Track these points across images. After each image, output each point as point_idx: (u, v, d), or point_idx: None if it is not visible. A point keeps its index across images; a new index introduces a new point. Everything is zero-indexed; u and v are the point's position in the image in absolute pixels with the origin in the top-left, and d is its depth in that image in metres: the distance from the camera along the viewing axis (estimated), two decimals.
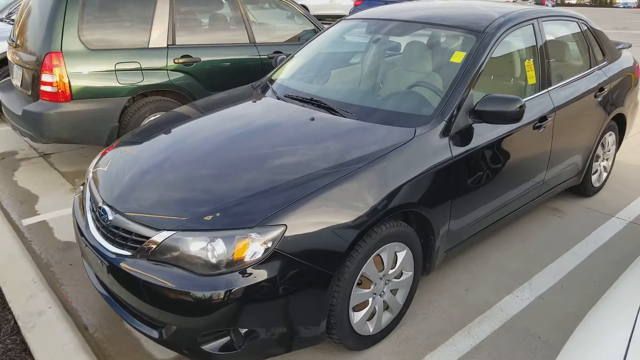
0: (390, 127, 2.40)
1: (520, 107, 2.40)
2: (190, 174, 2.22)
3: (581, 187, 3.76)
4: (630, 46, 4.14)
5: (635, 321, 1.08)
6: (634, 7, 58.21)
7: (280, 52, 4.75)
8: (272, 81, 3.20)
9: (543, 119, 2.92)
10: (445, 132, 2.41)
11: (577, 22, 3.50)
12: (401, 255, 2.29)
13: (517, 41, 2.99)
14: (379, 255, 2.18)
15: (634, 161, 4.63)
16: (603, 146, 3.81)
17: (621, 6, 64.81)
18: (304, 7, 20.01)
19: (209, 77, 4.37)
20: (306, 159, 2.21)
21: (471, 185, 2.53)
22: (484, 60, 2.63)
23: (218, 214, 1.94)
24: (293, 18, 5.18)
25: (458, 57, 2.67)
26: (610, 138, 3.86)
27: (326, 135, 2.39)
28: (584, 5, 68.68)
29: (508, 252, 3.13)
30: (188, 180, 2.18)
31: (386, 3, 17.76)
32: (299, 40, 5.05)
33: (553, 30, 3.27)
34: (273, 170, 2.15)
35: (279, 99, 2.89)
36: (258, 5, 5.00)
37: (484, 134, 2.57)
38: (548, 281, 2.85)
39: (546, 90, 3.02)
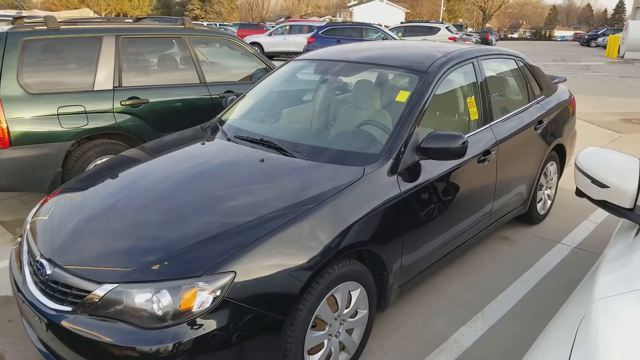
0: (339, 167, 2.43)
1: (463, 143, 2.49)
2: (138, 221, 2.17)
3: (527, 216, 3.90)
4: (565, 80, 4.41)
5: (572, 350, 1.11)
6: (570, 40, 62.49)
7: (232, 92, 4.77)
8: (222, 122, 3.20)
9: (487, 152, 3.03)
10: (393, 170, 2.46)
11: (515, 60, 3.71)
12: (355, 294, 2.29)
13: (458, 79, 3.13)
14: (332, 295, 2.17)
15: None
16: (546, 175, 3.98)
17: (559, 39, 69.39)
18: (258, 44, 20.40)
19: (158, 118, 4.31)
20: (255, 201, 2.20)
21: (421, 219, 2.58)
22: (428, 98, 2.72)
23: (166, 263, 1.88)
24: (244, 57, 5.24)
25: (403, 97, 2.76)
26: (552, 167, 4.05)
27: (275, 177, 2.39)
28: (526, 39, 73.04)
29: (461, 282, 3.19)
30: (135, 228, 2.12)
31: (338, 41, 18.31)
32: (251, 79, 5.10)
33: (493, 68, 3.44)
34: (223, 213, 2.13)
35: (229, 140, 2.88)
36: (208, 45, 5.03)
37: (431, 169, 2.64)
38: (500, 310, 2.91)
39: (488, 125, 3.15)
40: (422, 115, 2.67)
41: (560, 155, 4.14)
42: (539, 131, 3.65)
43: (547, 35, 76.81)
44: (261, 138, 2.78)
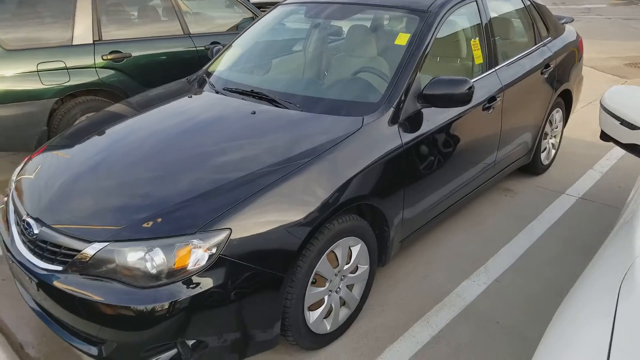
0: (337, 117, 2.29)
1: (469, 88, 2.33)
2: (128, 178, 2.05)
3: (531, 166, 3.78)
4: (572, 20, 4.18)
5: (616, 311, 1.01)
6: None
7: (218, 43, 4.53)
8: (209, 74, 3.01)
9: (492, 99, 2.88)
10: (394, 119, 2.32)
11: None
12: (356, 250, 2.20)
13: (461, 20, 2.93)
14: (332, 251, 2.08)
15: (580, 136, 4.73)
16: (551, 123, 3.84)
17: None
18: None
19: (142, 72, 4.10)
20: (250, 155, 2.07)
21: (423, 171, 2.46)
22: (429, 41, 2.54)
23: (159, 220, 1.78)
24: (230, 6, 4.95)
25: (402, 39, 2.57)
26: (558, 115, 3.90)
27: (270, 129, 2.25)
28: None
29: (462, 236, 3.11)
30: (125, 185, 2.01)
31: None
32: (237, 30, 4.85)
33: (497, 7, 3.22)
34: (216, 169, 2.01)
35: (217, 92, 2.71)
36: None
37: (433, 118, 2.50)
38: (503, 264, 2.84)
39: (493, 69, 2.97)
40: (424, 59, 2.50)
41: (566, 101, 3.97)
42: (546, 76, 3.47)
43: None
44: (251, 89, 2.62)
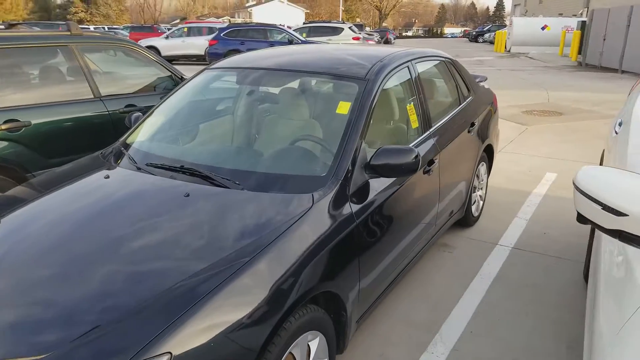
0: (285, 196, 2.10)
1: (416, 157, 2.27)
2: (28, 282, 1.68)
3: (463, 220, 3.83)
4: (486, 79, 4.42)
5: None
6: (459, 37, 66.82)
7: (134, 105, 4.21)
8: (127, 146, 2.70)
9: (431, 162, 2.86)
10: (344, 194, 2.18)
11: (444, 61, 3.60)
12: (314, 345, 1.97)
13: (396, 85, 2.93)
14: (290, 353, 1.84)
15: (497, 184, 4.94)
16: (478, 177, 3.94)
17: (449, 36, 74.05)
18: (154, 48, 19.12)
19: (44, 143, 3.63)
20: (187, 253, 1.78)
21: (376, 240, 2.33)
22: (371, 108, 2.47)
23: (71, 346, 1.43)
24: (144, 65, 4.66)
25: (344, 108, 2.48)
26: (483, 168, 4.03)
27: (208, 216, 1.99)
28: (420, 36, 76.98)
29: (411, 301, 3.00)
30: (24, 292, 1.64)
31: (242, 43, 17.68)
32: (155, 90, 4.55)
33: (426, 71, 3.29)
34: (145, 275, 1.68)
35: (139, 169, 2.41)
36: (100, 53, 4.41)
37: (379, 186, 2.40)
38: (457, 328, 2.75)
39: (429, 132, 2.98)
40: (367, 127, 2.41)
41: (488, 155, 4.13)
42: (472, 134, 3.57)
43: (438, 32, 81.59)
44: (181, 165, 2.35)
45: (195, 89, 3.09)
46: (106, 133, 3.99)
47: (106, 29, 36.87)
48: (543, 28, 24.68)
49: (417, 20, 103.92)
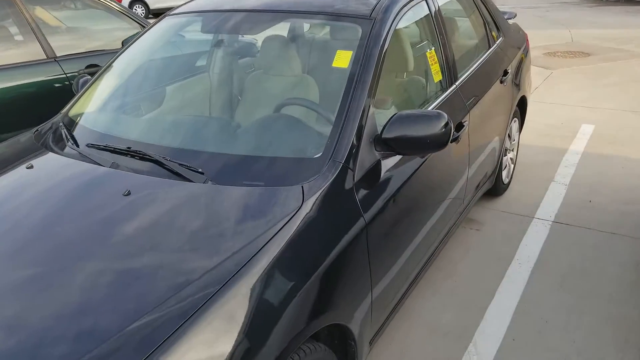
0: (262, 191, 1.48)
1: (446, 125, 1.63)
2: None
3: (492, 188, 3.20)
4: (515, 15, 3.67)
5: None
6: None
7: (98, 66, 3.54)
8: (69, 121, 2.07)
9: (459, 126, 2.21)
10: (347, 182, 1.56)
11: None
12: None
13: (411, 26, 2.23)
14: None
15: (529, 140, 4.27)
16: (509, 136, 3.28)
17: None
18: (142, 2, 17.66)
19: None
20: (128, 284, 1.20)
21: (391, 237, 1.73)
22: (380, 58, 1.81)
23: None
24: (108, 18, 3.93)
25: (343, 59, 1.81)
26: (515, 125, 3.36)
27: (154, 227, 1.38)
28: None
29: (436, 299, 2.43)
30: None
31: None
32: (123, 46, 3.85)
33: (447, 5, 2.57)
34: (74, 317, 1.13)
35: (80, 153, 1.79)
36: (52, 4, 3.69)
37: (394, 166, 1.77)
38: (495, 336, 2.19)
39: (455, 86, 2.31)
40: (376, 85, 1.76)
41: (521, 109, 3.44)
42: (505, 84, 2.88)
43: None
44: (127, 146, 1.73)
45: (155, 41, 2.40)
46: (65, 101, 3.34)
47: None
48: None
49: None
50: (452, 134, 1.66)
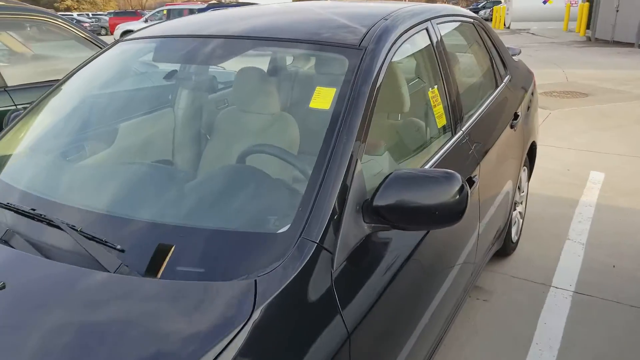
0: (194, 287, 1.00)
1: (461, 190, 1.18)
2: None
3: (501, 248, 2.74)
4: (520, 52, 3.30)
5: None
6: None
7: None
8: None
9: (469, 182, 1.76)
10: (322, 272, 1.08)
11: (473, 23, 2.46)
12: None
13: (410, 59, 1.82)
14: None
15: (535, 189, 3.84)
16: (519, 188, 2.85)
17: None
18: (131, 31, 17.65)
19: None
20: None
21: (382, 341, 1.24)
22: (371, 98, 1.37)
23: None
24: (73, 45, 3.51)
25: (324, 99, 1.37)
26: (524, 174, 2.93)
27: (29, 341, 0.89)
28: None
29: None
30: None
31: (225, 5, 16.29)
32: None
33: (451, 37, 2.17)
34: None
35: None
36: (9, 29, 3.27)
37: (389, 244, 1.31)
38: None
39: (462, 133, 1.87)
40: (365, 133, 1.31)
41: (530, 156, 3.03)
42: (516, 129, 2.47)
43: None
44: (33, 208, 1.25)
45: (103, 71, 1.94)
46: None
47: (90, 15, 35.37)
48: (545, 2, 23.37)
49: None
50: (468, 201, 1.21)
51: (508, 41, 16.28)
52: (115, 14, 28.25)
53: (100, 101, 1.85)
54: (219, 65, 1.78)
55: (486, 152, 1.98)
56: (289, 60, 1.88)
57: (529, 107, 2.80)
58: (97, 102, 1.85)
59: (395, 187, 1.18)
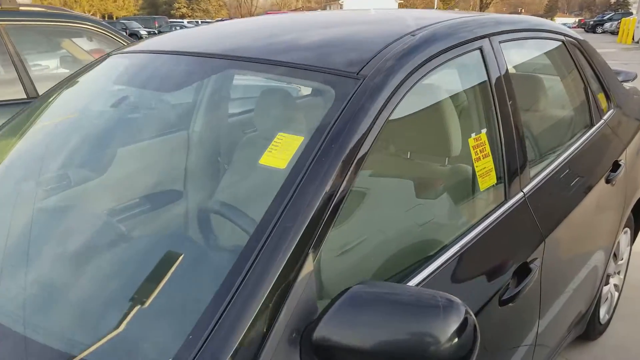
0: None
1: (463, 327, 0.70)
2: None
3: (584, 332, 2.10)
4: (635, 77, 2.59)
5: None
6: (573, 27, 59.87)
7: None
8: None
9: (523, 271, 1.23)
10: None
11: (564, 40, 1.87)
12: None
13: (443, 90, 1.33)
14: None
15: None
16: (615, 256, 2.18)
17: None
18: None
19: None
20: None
21: None
22: (355, 153, 0.92)
23: None
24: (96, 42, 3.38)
25: (282, 152, 0.95)
26: (625, 237, 2.25)
27: None
28: None
29: None
30: None
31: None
32: None
33: (523, 59, 1.63)
34: None
35: None
36: (48, 37, 3.21)
37: None
38: None
39: (521, 195, 1.34)
40: (335, 205, 0.86)
41: (636, 213, 2.33)
42: (614, 183, 1.84)
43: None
44: None
45: (84, 88, 1.68)
46: None
47: (199, 22, 37.54)
48: None
49: (523, 10, 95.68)
50: (476, 346, 0.72)
51: (636, 58, 14.47)
52: (221, 21, 29.59)
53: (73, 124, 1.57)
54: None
55: (558, 222, 1.42)
56: (253, 88, 1.44)
57: (639, 152, 2.13)
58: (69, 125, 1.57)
59: (351, 313, 0.73)
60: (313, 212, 0.81)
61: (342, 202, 0.87)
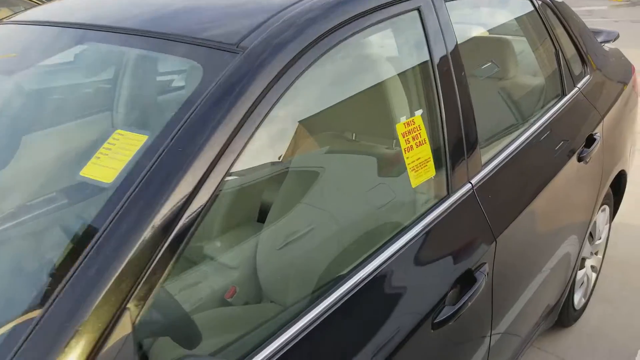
0: None
1: None
2: None
3: (557, 320, 1.93)
4: (617, 37, 2.33)
5: None
6: None
7: None
8: None
9: (468, 278, 1.02)
10: None
11: (532, 1, 1.59)
12: None
13: (372, 67, 1.09)
14: None
15: (625, 219, 2.85)
16: (592, 236, 1.99)
17: None
18: None
19: None
20: None
21: None
22: (230, 156, 0.70)
23: None
24: None
25: (114, 158, 0.71)
26: (603, 216, 2.05)
27: None
28: None
29: None
30: None
31: None
32: None
33: (476, 21, 1.38)
34: None
35: None
36: None
37: None
38: None
39: (470, 188, 1.11)
40: (181, 243, 0.64)
41: (615, 188, 2.12)
42: (587, 161, 1.61)
43: None
44: None
45: None
46: None
47: None
48: None
49: None
50: None
51: (624, 15, 14.05)
52: None
53: None
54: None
55: (515, 216, 1.21)
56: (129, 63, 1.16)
57: (617, 121, 1.90)
58: None
59: None
60: (134, 251, 0.59)
61: (190, 229, 0.64)
